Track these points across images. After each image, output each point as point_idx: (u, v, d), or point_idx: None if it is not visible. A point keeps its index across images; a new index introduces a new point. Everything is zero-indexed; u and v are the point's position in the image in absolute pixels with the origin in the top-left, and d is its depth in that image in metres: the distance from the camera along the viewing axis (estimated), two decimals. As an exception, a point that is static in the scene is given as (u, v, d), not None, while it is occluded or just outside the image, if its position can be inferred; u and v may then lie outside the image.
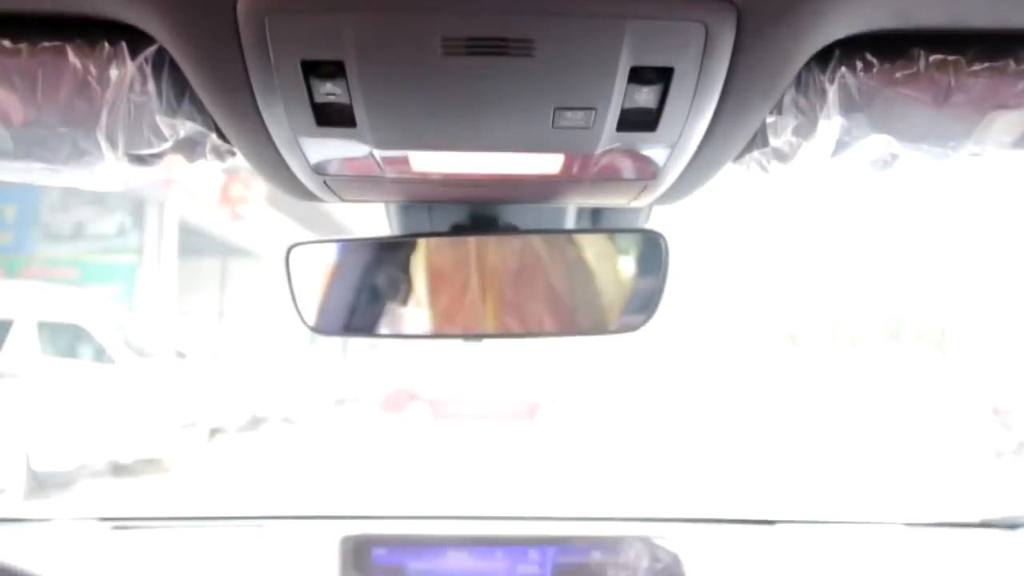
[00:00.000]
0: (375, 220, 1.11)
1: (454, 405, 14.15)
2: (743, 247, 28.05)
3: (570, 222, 1.07)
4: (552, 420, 14.05)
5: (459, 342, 1.09)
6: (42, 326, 8.85)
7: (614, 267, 1.03)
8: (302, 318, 1.06)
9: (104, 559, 1.22)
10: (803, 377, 18.38)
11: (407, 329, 1.04)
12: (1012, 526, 1.67)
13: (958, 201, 24.21)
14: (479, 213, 1.02)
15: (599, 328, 1.03)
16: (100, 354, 8.97)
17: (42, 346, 8.77)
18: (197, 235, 14.40)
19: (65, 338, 9.13)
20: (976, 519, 1.71)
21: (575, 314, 1.02)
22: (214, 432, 9.94)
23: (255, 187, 15.01)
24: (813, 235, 27.19)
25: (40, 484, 7.17)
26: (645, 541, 1.33)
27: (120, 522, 1.71)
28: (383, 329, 1.06)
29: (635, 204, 0.95)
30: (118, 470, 8.14)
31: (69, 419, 7.77)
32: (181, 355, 10.20)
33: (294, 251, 1.06)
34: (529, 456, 10.49)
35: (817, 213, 27.67)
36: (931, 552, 1.63)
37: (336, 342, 20.50)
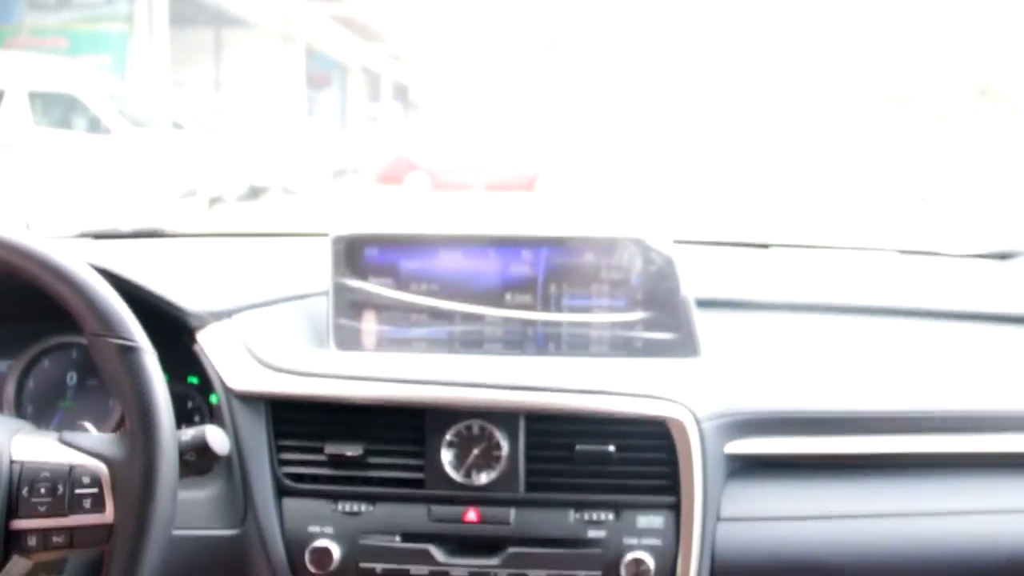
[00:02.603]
0: None
1: (453, 175, 14.07)
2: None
3: None
4: (551, 190, 14.10)
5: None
6: (33, 96, 8.78)
7: None
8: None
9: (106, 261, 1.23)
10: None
11: None
12: (1003, 256, 1.68)
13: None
14: None
15: None
16: (95, 124, 8.95)
17: (35, 117, 8.74)
18: (189, 2, 13.95)
19: (58, 108, 9.07)
20: (970, 250, 1.72)
21: None
22: (214, 201, 10.00)
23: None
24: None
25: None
26: (639, 243, 1.31)
27: (119, 237, 1.75)
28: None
29: None
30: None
31: (67, 189, 7.85)
32: (178, 126, 10.15)
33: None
34: (528, 222, 10.60)
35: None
36: (923, 278, 1.64)
37: (335, 115, 20.26)
